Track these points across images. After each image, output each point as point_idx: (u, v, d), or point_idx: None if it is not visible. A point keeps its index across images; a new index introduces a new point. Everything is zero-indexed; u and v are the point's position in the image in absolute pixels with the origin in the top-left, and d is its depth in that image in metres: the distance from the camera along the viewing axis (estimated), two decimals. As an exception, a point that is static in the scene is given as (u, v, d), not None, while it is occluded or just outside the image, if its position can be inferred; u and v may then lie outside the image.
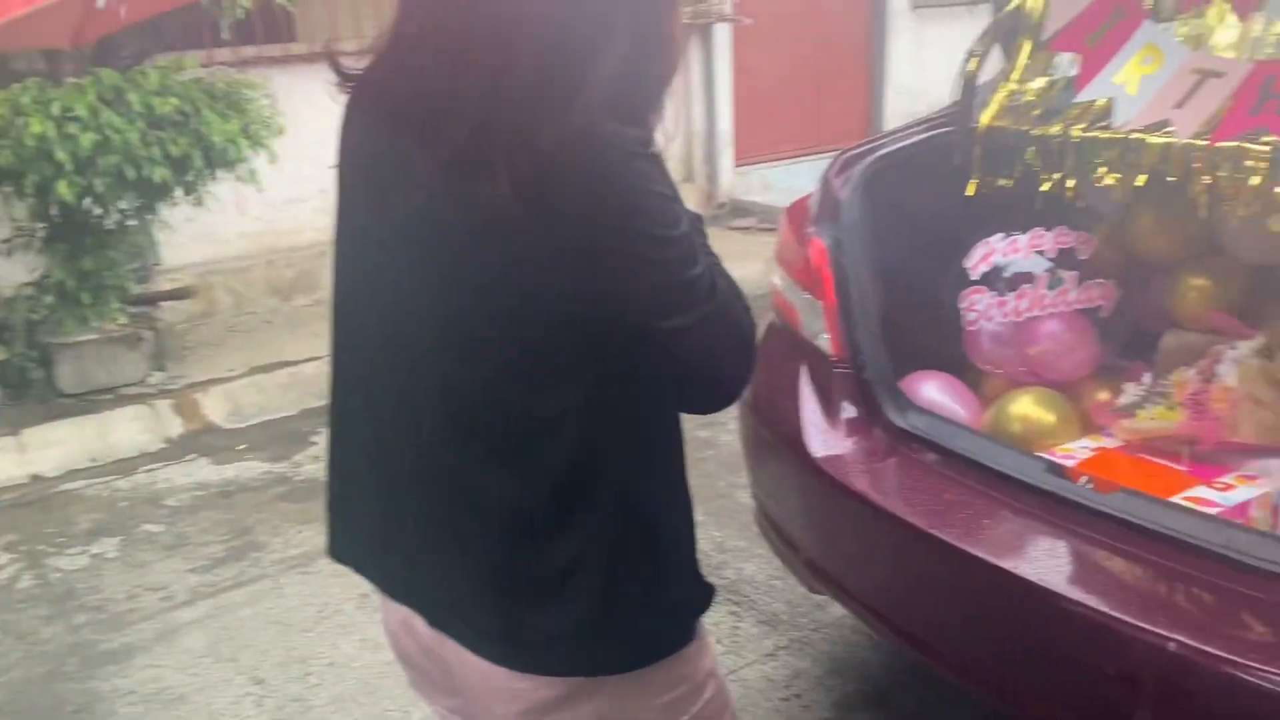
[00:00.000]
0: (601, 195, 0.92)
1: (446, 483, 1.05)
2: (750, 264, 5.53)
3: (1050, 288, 2.13)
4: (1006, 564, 1.65)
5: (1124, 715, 1.54)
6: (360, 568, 1.19)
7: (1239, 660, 1.39)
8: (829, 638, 2.63)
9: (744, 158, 7.24)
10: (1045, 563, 1.65)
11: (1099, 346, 2.18)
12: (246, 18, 4.61)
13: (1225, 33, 1.89)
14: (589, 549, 1.01)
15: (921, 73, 7.95)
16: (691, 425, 1.10)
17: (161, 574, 3.10)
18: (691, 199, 6.96)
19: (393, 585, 1.16)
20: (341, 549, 1.20)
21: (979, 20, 8.33)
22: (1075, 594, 1.57)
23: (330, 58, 1.06)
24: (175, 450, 3.98)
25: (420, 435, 1.05)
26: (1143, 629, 1.47)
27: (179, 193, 4.16)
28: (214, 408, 4.26)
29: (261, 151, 4.17)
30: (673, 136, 1.07)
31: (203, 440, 4.06)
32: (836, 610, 2.65)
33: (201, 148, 3.95)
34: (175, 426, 4.12)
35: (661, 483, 1.09)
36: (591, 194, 0.92)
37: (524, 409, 0.99)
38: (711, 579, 1.14)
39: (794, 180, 6.35)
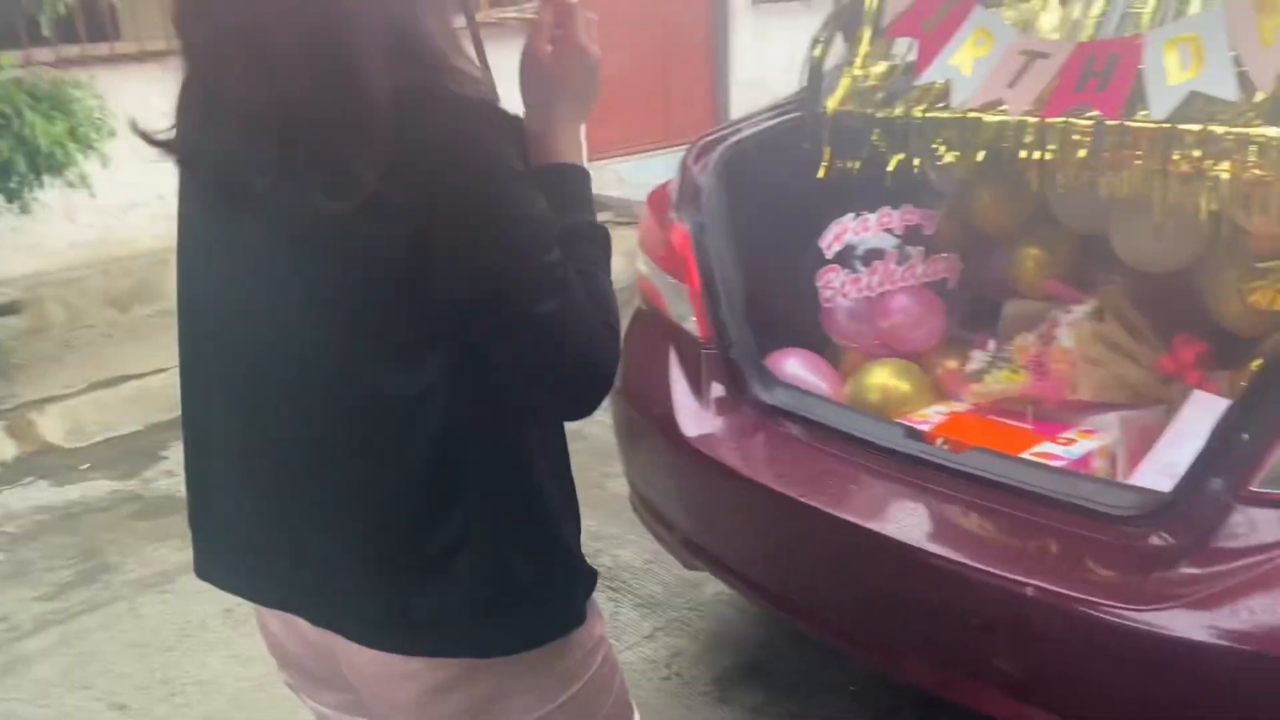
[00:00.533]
0: (456, 166, 0.90)
1: (317, 477, 1.02)
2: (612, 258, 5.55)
3: (899, 263, 2.23)
4: (874, 525, 1.73)
5: (986, 659, 1.63)
6: (228, 583, 1.15)
7: (1089, 599, 1.49)
8: (705, 615, 2.68)
9: (596, 153, 7.28)
10: (909, 521, 1.73)
11: (946, 317, 2.30)
12: (68, 14, 4.37)
13: (1049, 16, 2.02)
14: (470, 529, 1.00)
15: (763, 66, 8.16)
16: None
17: (3, 604, 2.91)
18: (545, 195, 6.96)
19: (266, 594, 1.12)
20: (206, 566, 1.16)
21: (816, 14, 8.58)
22: (938, 549, 1.66)
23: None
24: (10, 474, 3.73)
25: (283, 433, 1.02)
26: (1002, 577, 1.56)
27: (0, 200, 3.91)
28: (51, 427, 4.02)
29: (92, 155, 3.96)
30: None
31: (41, 461, 3.82)
32: (712, 589, 2.71)
33: (25, 152, 3.72)
34: (8, 449, 3.87)
35: (541, 463, 1.07)
36: (446, 165, 0.89)
37: (383, 391, 0.97)
38: None
39: (647, 174, 6.41)
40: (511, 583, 1.03)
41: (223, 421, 1.07)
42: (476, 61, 1.03)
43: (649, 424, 2.17)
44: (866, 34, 2.29)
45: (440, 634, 1.02)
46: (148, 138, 1.01)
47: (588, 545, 1.13)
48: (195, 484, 1.14)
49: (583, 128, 1.20)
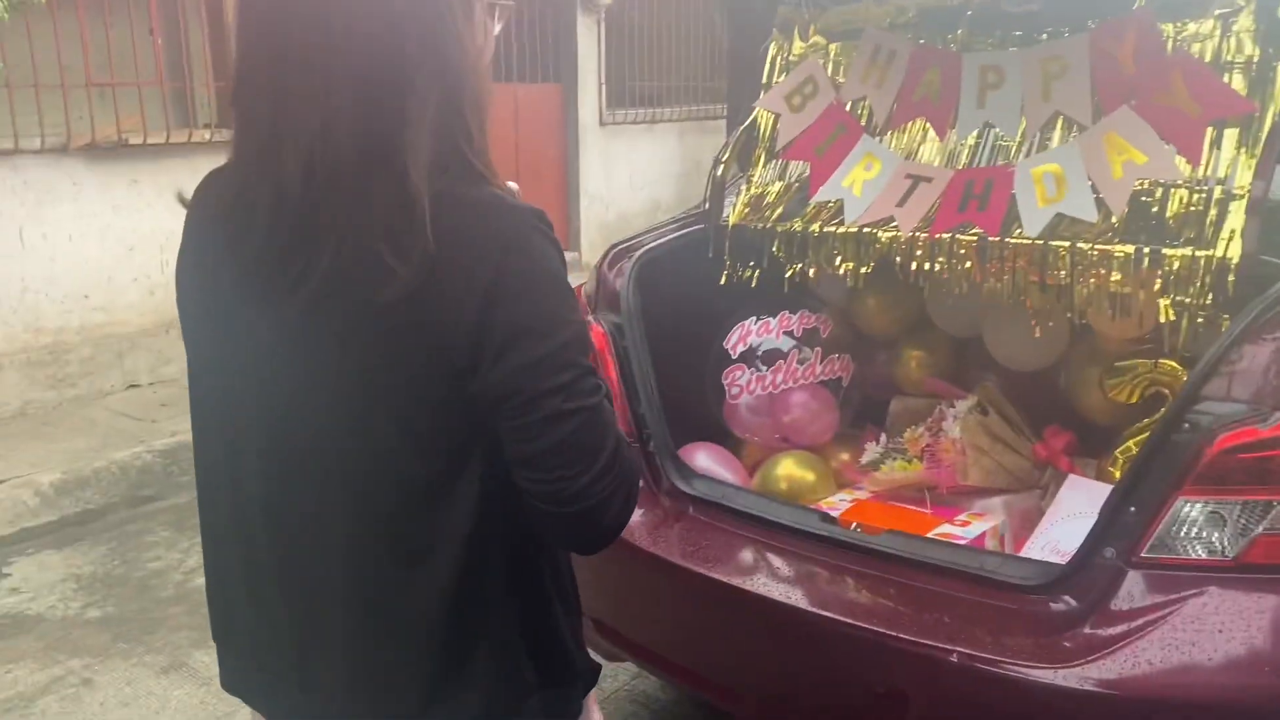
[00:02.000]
0: (510, 268, 0.95)
1: (348, 580, 1.03)
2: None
3: (800, 363, 2.42)
4: (801, 604, 1.85)
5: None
6: (254, 699, 1.15)
7: (1006, 662, 1.65)
8: (608, 712, 2.71)
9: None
10: (833, 599, 1.86)
11: (839, 413, 2.49)
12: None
13: (928, 146, 2.28)
14: (489, 633, 1.05)
15: (610, 181, 8.53)
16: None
17: None
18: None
19: (288, 707, 1.12)
20: (233, 679, 1.16)
21: (658, 136, 9.03)
22: (865, 623, 1.79)
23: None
24: None
25: (312, 536, 1.04)
26: (927, 645, 1.71)
27: None
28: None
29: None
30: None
31: None
32: (612, 684, 2.75)
33: None
34: None
35: (549, 565, 1.11)
36: (498, 267, 0.95)
37: (417, 488, 1.00)
38: None
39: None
40: (522, 685, 1.07)
41: (243, 523, 1.08)
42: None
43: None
44: (761, 157, 2.51)
45: None
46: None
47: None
48: (220, 598, 1.15)
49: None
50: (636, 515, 2.15)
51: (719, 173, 2.47)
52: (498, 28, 1.08)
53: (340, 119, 0.95)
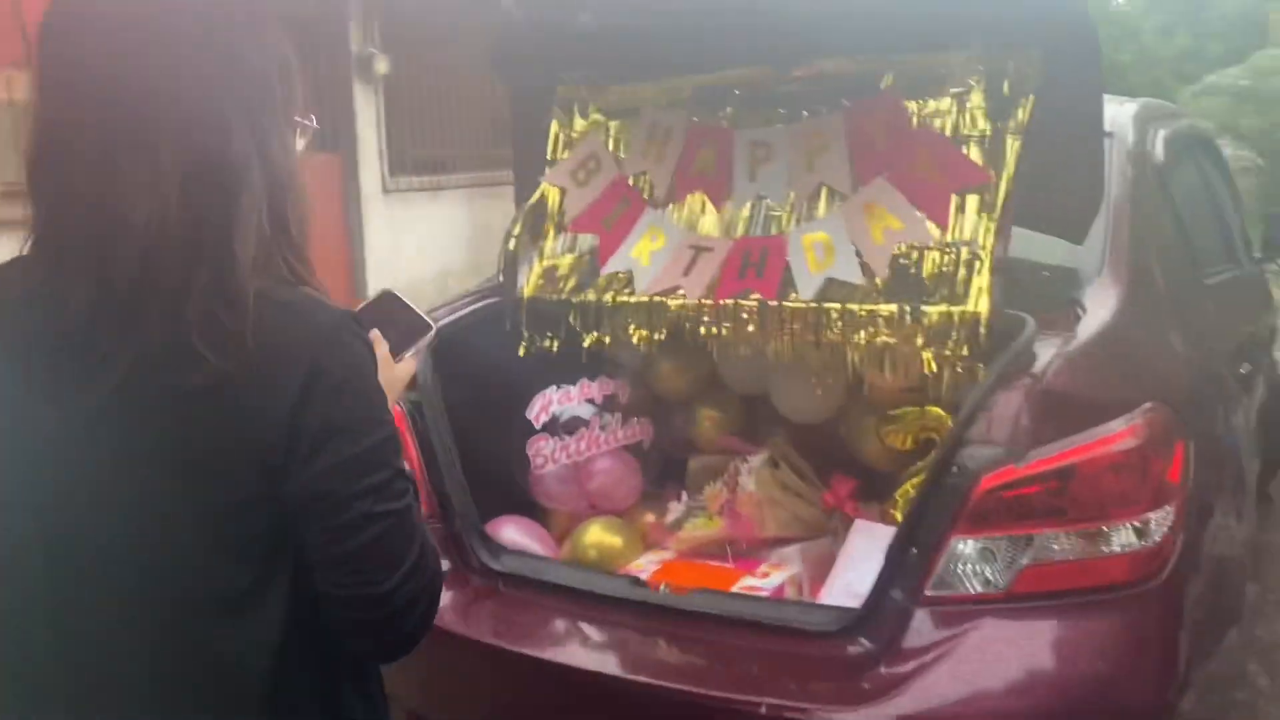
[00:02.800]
0: (324, 368, 0.96)
1: (150, 690, 0.99)
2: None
3: (602, 429, 2.47)
4: (616, 671, 1.89)
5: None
6: None
7: (811, 708, 1.74)
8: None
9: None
10: (648, 662, 1.91)
11: (642, 475, 2.55)
12: None
13: (707, 217, 2.40)
14: None
15: (396, 248, 8.43)
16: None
17: None
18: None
19: None
20: None
21: (443, 203, 9.02)
22: (678, 684, 1.84)
23: None
24: None
25: (121, 664, 0.98)
26: (739, 700, 1.77)
27: None
28: None
29: None
30: None
31: None
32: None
33: None
34: None
35: (363, 685, 1.10)
36: (312, 366, 0.96)
37: (228, 598, 0.98)
38: None
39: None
40: None
41: (22, 630, 1.01)
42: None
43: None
44: (551, 230, 2.57)
45: None
46: None
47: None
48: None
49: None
50: (446, 597, 2.12)
51: (510, 246, 2.51)
52: (301, 144, 1.09)
53: (170, 208, 0.94)
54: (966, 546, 1.74)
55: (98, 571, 0.98)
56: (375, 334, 1.12)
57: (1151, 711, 1.72)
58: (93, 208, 0.95)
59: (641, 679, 1.84)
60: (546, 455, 2.41)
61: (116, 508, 0.97)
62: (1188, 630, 1.76)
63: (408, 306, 1.22)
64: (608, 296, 2.36)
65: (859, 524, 2.24)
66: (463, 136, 9.09)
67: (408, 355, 1.20)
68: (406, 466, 1.03)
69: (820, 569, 2.26)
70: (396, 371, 1.17)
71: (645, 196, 2.46)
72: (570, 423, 2.47)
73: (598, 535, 2.34)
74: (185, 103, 0.96)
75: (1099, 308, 2.03)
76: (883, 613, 1.79)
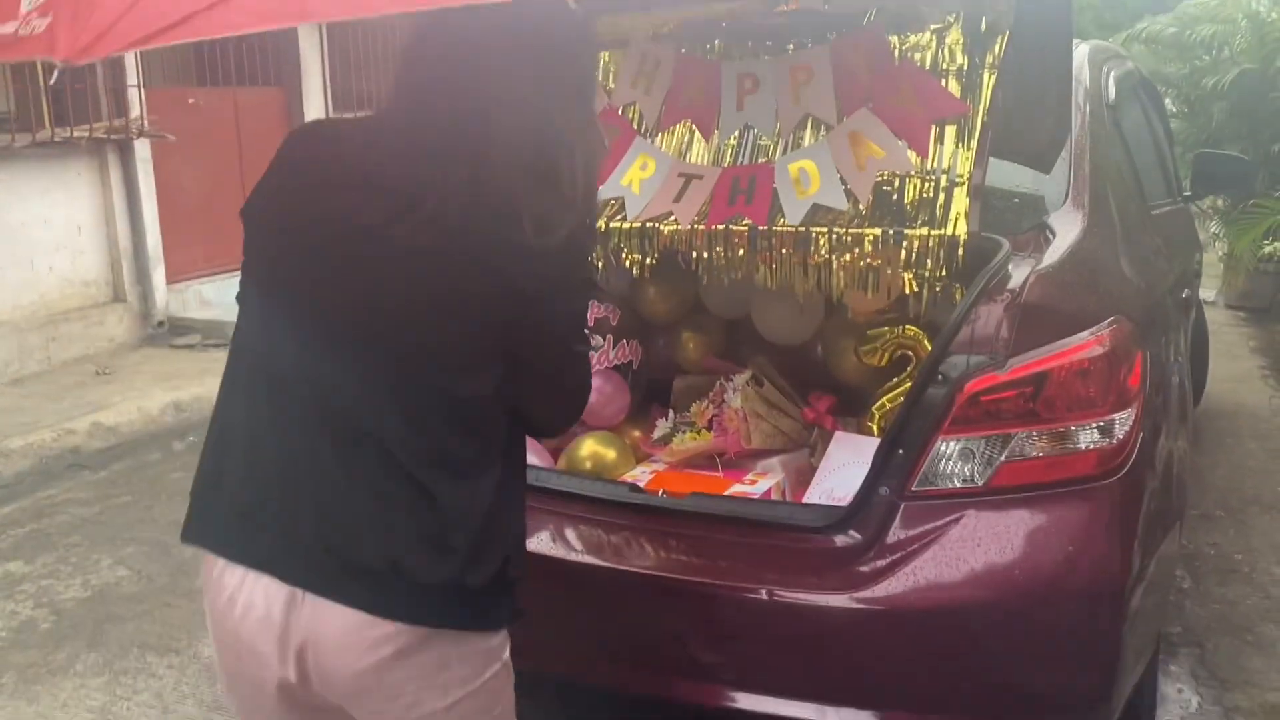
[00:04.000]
0: (577, 266, 1.37)
1: (380, 444, 1.26)
2: (210, 381, 5.40)
3: (593, 350, 2.58)
4: (627, 566, 2.02)
5: (730, 660, 1.98)
6: (215, 544, 1.33)
7: (807, 593, 1.90)
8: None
9: (176, 275, 6.97)
10: (653, 558, 2.04)
11: (631, 394, 2.68)
12: None
13: (696, 146, 2.50)
14: (474, 515, 1.28)
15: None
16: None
17: None
18: (124, 321, 6.53)
19: (250, 554, 1.29)
20: (197, 531, 1.35)
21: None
22: (681, 575, 1.99)
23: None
24: None
25: (357, 402, 1.27)
26: (741, 587, 1.93)
27: None
28: None
29: None
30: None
31: None
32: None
33: None
34: None
35: (520, 479, 1.42)
36: (570, 266, 1.33)
37: (452, 392, 1.27)
38: None
39: (232, 296, 6.27)
40: (486, 570, 1.29)
41: (271, 409, 1.30)
42: None
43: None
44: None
45: (426, 603, 1.26)
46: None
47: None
48: (213, 459, 1.34)
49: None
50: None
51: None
52: None
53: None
54: (949, 446, 1.90)
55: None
56: None
57: (1108, 594, 1.90)
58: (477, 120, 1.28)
59: (656, 573, 1.98)
60: (542, 374, 2.51)
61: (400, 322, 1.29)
62: (1143, 520, 1.95)
63: None
64: (600, 222, 2.46)
65: (838, 436, 2.40)
66: (406, 73, 8.97)
67: None
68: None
69: (802, 478, 2.42)
70: None
71: (634, 126, 2.55)
72: (563, 343, 2.57)
73: (592, 448, 2.47)
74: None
75: (1066, 231, 2.19)
76: (870, 508, 1.95)
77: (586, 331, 1.46)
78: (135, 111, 6.47)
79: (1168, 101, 7.74)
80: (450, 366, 1.27)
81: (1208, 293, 7.17)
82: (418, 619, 1.26)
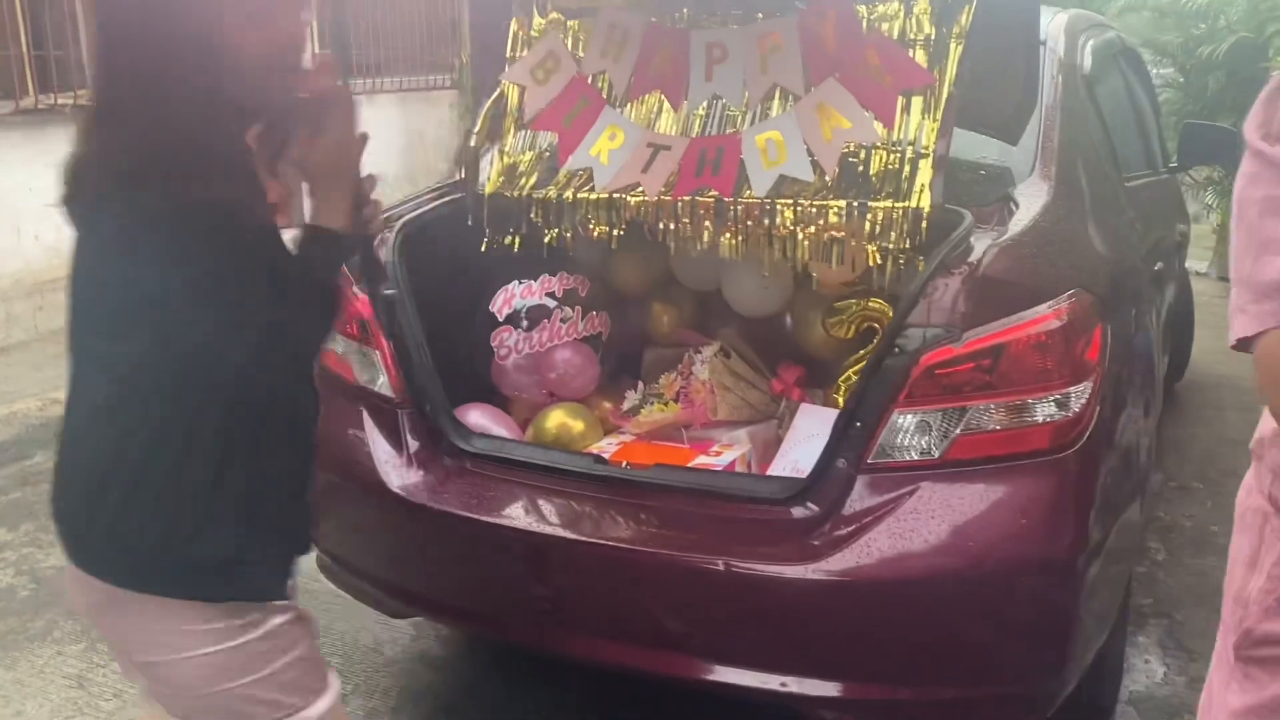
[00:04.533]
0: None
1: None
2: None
3: (563, 322, 2.59)
4: (585, 536, 2.03)
5: (685, 631, 1.99)
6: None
7: (764, 565, 1.91)
8: (393, 674, 2.80)
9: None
10: (614, 530, 2.06)
11: (600, 366, 2.68)
12: None
13: (665, 117, 2.49)
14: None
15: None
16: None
17: None
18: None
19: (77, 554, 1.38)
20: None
21: (378, 108, 8.80)
22: (640, 546, 2.00)
23: None
24: None
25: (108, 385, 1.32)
26: (699, 559, 1.94)
27: None
28: None
29: None
30: None
31: None
32: (392, 650, 2.84)
33: None
34: None
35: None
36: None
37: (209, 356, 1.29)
38: None
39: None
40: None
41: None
42: None
43: (350, 483, 2.30)
44: (511, 128, 2.64)
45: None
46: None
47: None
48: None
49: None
50: (419, 476, 2.25)
51: (472, 143, 2.58)
52: None
53: None
54: (905, 419, 1.90)
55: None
56: None
57: (1061, 566, 1.91)
58: None
59: (613, 544, 1.99)
60: (509, 347, 2.52)
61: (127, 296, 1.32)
62: (1098, 496, 1.96)
63: None
64: (568, 193, 2.46)
65: (804, 408, 2.41)
66: (398, 41, 8.93)
67: None
68: None
69: (768, 449, 2.43)
70: None
71: (604, 95, 2.54)
72: (532, 315, 2.58)
73: (560, 419, 2.47)
74: None
75: (1030, 204, 2.18)
76: (828, 480, 1.96)
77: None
78: (120, 78, 6.40)
79: (1167, 71, 7.68)
80: None
81: (1200, 264, 7.15)
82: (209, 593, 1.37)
